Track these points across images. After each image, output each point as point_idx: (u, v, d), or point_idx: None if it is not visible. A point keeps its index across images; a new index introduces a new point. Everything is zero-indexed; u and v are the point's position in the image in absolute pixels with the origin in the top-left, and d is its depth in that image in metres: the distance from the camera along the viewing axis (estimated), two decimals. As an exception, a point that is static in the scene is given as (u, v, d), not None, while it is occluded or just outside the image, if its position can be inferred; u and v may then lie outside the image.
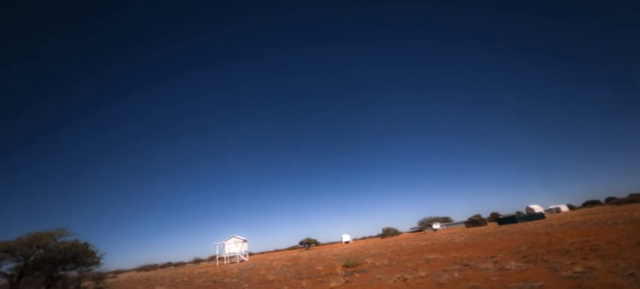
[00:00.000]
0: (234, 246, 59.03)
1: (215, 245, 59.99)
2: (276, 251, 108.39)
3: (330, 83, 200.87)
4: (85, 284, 31.36)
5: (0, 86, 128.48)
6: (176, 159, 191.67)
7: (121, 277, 54.01)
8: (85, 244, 28.66)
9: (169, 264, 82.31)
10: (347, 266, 17.05)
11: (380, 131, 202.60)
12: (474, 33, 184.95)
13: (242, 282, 16.87)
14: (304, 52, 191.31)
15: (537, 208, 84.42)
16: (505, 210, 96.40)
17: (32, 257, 25.68)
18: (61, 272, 27.47)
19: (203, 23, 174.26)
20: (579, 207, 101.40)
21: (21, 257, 25.56)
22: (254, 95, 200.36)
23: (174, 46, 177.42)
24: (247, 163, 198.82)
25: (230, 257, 57.74)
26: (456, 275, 9.99)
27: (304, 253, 54.22)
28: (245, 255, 58.72)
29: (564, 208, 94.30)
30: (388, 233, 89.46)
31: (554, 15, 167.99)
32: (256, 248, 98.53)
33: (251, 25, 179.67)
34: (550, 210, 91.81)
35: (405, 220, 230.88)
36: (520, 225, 43.49)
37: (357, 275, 13.43)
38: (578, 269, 8.17)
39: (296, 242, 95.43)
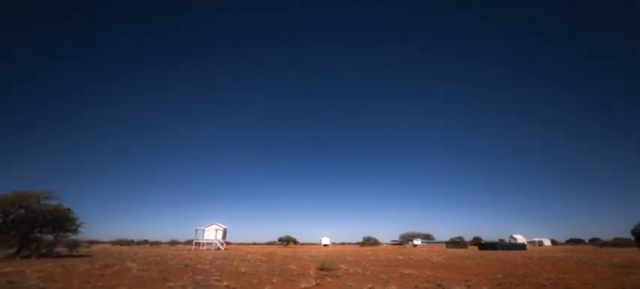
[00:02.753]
0: (214, 233, 58.51)
1: (195, 229, 59.49)
2: (254, 244, 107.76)
3: (329, 84, 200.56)
4: (59, 249, 30.80)
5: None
6: (170, 141, 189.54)
7: (95, 247, 53.34)
8: (67, 210, 28.24)
9: (145, 242, 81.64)
10: (321, 269, 16.81)
11: (373, 138, 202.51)
12: (478, 49, 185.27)
13: (214, 270, 16.57)
14: (305, 51, 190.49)
15: (520, 238, 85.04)
16: (489, 236, 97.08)
17: (12, 216, 25.21)
18: (37, 234, 27.00)
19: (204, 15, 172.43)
20: (562, 244, 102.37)
21: (1, 214, 25.03)
22: (253, 91, 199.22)
23: (173, 36, 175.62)
24: (237, 153, 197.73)
25: (207, 244, 57.21)
26: (426, 293, 9.80)
27: (281, 250, 53.92)
28: (222, 244, 58.21)
29: (547, 242, 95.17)
30: (368, 242, 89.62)
31: (562, 43, 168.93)
32: (235, 238, 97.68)
33: (250, 20, 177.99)
34: (533, 242, 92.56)
35: (387, 231, 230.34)
36: (500, 253, 43.53)
37: (329, 279, 13.21)
38: (550, 305, 7.99)
39: (275, 238, 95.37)
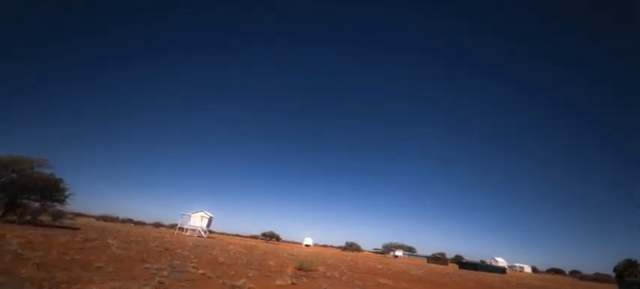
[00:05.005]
0: (199, 221, 58.58)
1: (181, 214, 59.54)
2: (237, 236, 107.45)
3: (328, 85, 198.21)
4: (43, 218, 30.78)
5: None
6: (167, 127, 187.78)
7: (79, 220, 53.09)
8: (59, 180, 28.10)
9: (130, 221, 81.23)
10: (299, 269, 16.99)
11: (366, 143, 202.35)
12: (476, 57, 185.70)
13: (192, 256, 16.72)
14: (304, 49, 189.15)
15: (502, 262, 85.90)
16: (471, 255, 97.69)
17: (4, 179, 25.04)
18: (25, 200, 26.92)
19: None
20: (543, 272, 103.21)
21: (-7, 176, 24.87)
22: (253, 85, 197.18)
23: (175, 26, 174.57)
24: (231, 145, 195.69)
25: (191, 230, 57.22)
26: (396, 304, 10.03)
27: (263, 245, 54.08)
28: (205, 232, 58.24)
29: (528, 269, 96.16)
30: (350, 247, 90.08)
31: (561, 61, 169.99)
32: (219, 228, 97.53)
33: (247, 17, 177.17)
34: (513, 267, 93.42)
35: (370, 239, 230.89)
36: (479, 274, 44.03)
37: (305, 280, 13.39)
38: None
39: (258, 232, 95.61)
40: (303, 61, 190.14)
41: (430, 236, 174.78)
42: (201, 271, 11.68)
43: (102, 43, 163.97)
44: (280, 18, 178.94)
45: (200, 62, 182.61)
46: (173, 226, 64.76)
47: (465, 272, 47.11)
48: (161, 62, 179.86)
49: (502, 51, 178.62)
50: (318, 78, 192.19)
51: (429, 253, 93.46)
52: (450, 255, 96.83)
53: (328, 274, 16.62)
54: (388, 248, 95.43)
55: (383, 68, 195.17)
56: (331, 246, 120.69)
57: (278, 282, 11.45)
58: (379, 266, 29.90)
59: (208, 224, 61.25)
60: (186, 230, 57.21)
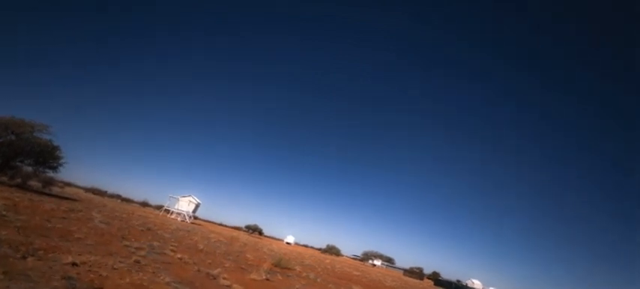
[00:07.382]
0: (186, 205, 58.60)
1: (170, 196, 59.55)
2: (221, 224, 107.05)
3: (327, 85, 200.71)
4: (32, 182, 30.81)
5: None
6: (166, 115, 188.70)
7: (67, 189, 53.00)
8: (56, 147, 28.17)
9: (118, 196, 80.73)
10: (275, 266, 17.30)
11: (358, 147, 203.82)
12: (477, 72, 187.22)
13: (173, 240, 16.99)
14: (311, 50, 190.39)
15: (477, 284, 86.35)
16: (449, 274, 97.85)
17: (1, 139, 25.06)
18: (18, 163, 27.02)
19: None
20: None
21: (-8, 136, 24.88)
22: (255, 80, 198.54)
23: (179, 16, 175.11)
24: (226, 134, 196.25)
25: (177, 214, 57.24)
26: (361, 311, 10.40)
27: (244, 237, 54.31)
28: (190, 217, 58.25)
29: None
30: (330, 250, 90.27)
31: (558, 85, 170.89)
32: (204, 214, 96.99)
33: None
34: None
35: (351, 244, 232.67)
36: (454, 293, 44.65)
37: (279, 277, 13.73)
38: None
39: (243, 224, 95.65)
40: (303, 60, 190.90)
41: (410, 248, 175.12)
42: (178, 255, 11.97)
43: (104, 21, 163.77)
44: (276, 16, 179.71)
45: (199, 56, 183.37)
46: (160, 207, 64.58)
47: (439, 289, 47.71)
48: (161, 49, 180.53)
49: (498, 58, 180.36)
50: (316, 79, 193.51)
51: (408, 266, 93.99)
52: (427, 271, 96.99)
53: (304, 274, 16.94)
54: (367, 256, 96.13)
55: (381, 70, 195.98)
56: (312, 247, 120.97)
57: (252, 276, 11.77)
58: (356, 273, 30.27)
59: (195, 210, 61.31)
60: (172, 213, 57.22)
